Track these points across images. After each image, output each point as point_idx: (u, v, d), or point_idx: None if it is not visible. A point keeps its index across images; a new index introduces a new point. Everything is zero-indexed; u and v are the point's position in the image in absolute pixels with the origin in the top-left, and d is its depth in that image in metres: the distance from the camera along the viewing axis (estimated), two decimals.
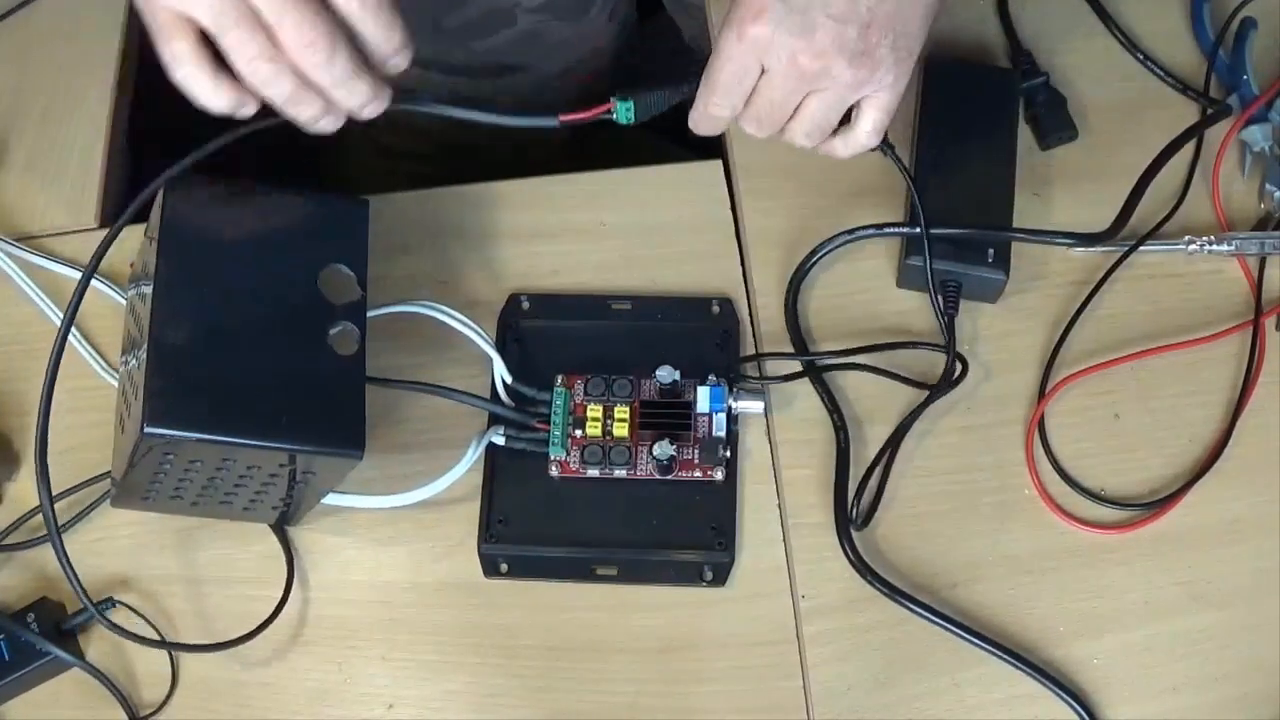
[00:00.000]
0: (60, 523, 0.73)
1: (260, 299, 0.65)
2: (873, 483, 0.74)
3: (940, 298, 0.77)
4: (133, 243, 0.71)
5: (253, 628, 0.71)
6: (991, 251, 0.76)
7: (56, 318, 0.78)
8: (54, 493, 0.73)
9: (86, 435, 0.75)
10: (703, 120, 0.70)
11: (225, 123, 0.67)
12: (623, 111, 0.68)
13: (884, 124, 0.70)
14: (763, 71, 0.67)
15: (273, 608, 0.72)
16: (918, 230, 0.76)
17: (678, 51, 1.02)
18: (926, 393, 0.76)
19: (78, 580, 0.65)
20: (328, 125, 0.64)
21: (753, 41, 0.65)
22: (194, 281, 0.64)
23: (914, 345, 0.77)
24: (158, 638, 0.72)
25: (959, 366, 0.76)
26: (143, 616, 0.72)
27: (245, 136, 0.66)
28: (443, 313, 0.74)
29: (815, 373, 0.77)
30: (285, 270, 0.66)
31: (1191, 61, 0.86)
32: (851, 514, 0.74)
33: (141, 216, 0.66)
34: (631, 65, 1.09)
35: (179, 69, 0.61)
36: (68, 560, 0.64)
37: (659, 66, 1.11)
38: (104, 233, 0.81)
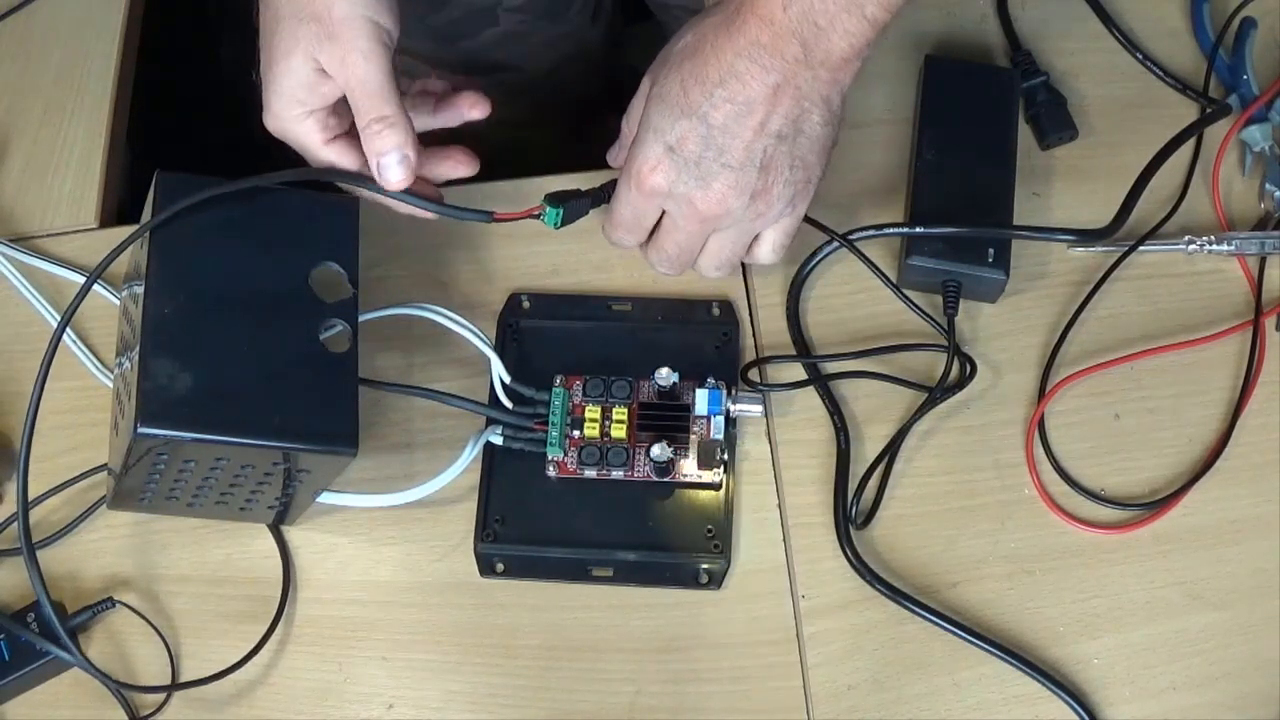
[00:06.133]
0: (61, 524, 0.74)
1: (251, 297, 0.65)
2: (873, 483, 0.74)
3: (940, 297, 0.77)
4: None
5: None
6: (991, 251, 0.76)
7: (55, 320, 0.78)
8: (51, 489, 0.74)
9: (86, 435, 0.76)
10: (609, 240, 0.73)
11: (226, 128, 0.68)
12: (551, 216, 0.72)
13: (785, 245, 0.72)
14: (664, 213, 0.70)
15: (271, 607, 0.72)
16: (917, 230, 0.77)
17: None
18: (927, 394, 0.76)
19: (43, 584, 0.66)
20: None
21: (650, 192, 0.68)
22: (185, 281, 0.64)
23: (917, 348, 0.77)
24: (158, 638, 0.72)
25: (968, 368, 0.76)
26: (143, 616, 0.72)
27: (243, 133, 0.67)
28: (439, 314, 0.74)
29: (818, 379, 0.77)
30: (276, 268, 0.66)
31: (1191, 61, 0.86)
32: (851, 514, 0.74)
33: (135, 216, 0.66)
34: (628, 67, 1.09)
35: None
36: (36, 563, 0.65)
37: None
38: (104, 233, 0.82)
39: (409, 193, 0.70)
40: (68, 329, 0.77)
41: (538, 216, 0.72)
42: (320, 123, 0.69)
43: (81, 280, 0.79)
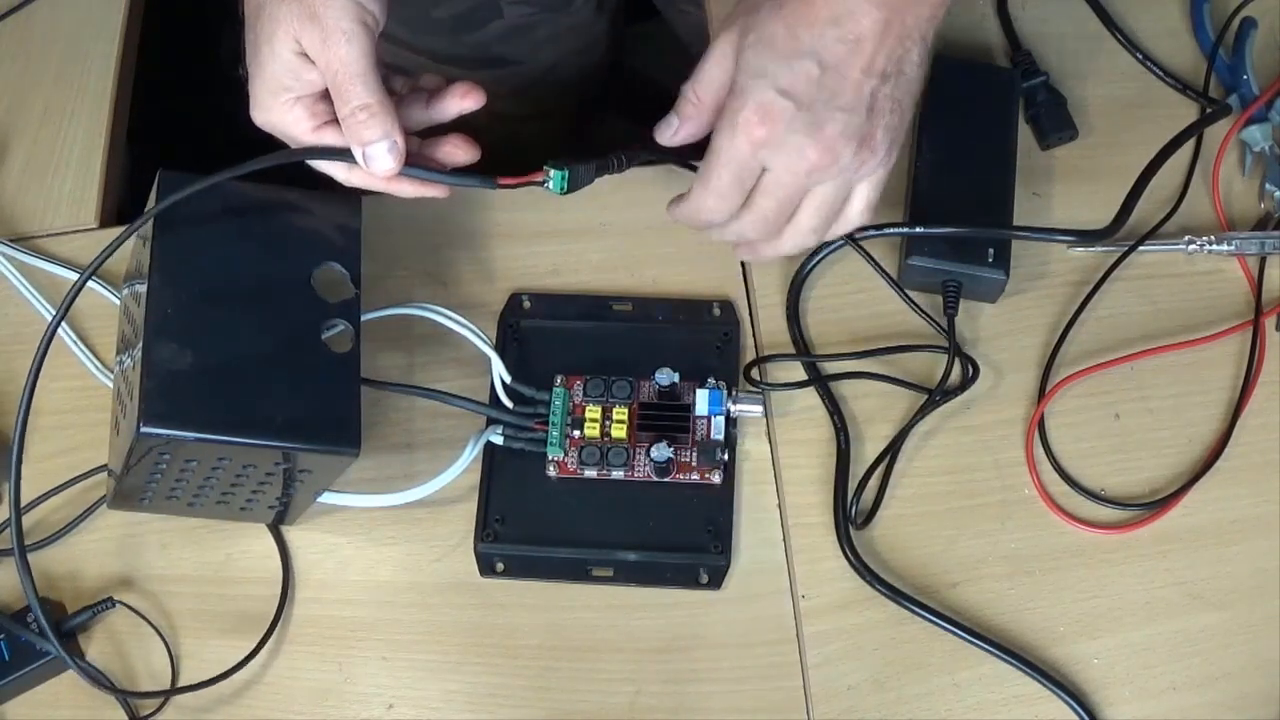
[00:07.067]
0: (61, 524, 0.74)
1: (254, 297, 0.65)
2: (873, 483, 0.74)
3: (940, 297, 0.77)
4: (129, 242, 0.71)
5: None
6: (991, 251, 0.76)
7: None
8: (51, 489, 0.74)
9: (86, 435, 0.76)
10: (691, 219, 0.69)
11: (227, 128, 0.68)
12: (557, 180, 0.68)
13: (876, 203, 0.69)
14: (763, 171, 0.66)
15: (271, 607, 0.72)
16: (917, 230, 0.77)
17: (674, 51, 1.03)
18: (927, 395, 0.76)
19: (35, 593, 0.65)
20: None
21: (759, 143, 0.64)
22: (188, 280, 0.64)
23: (918, 349, 0.77)
24: (158, 638, 0.72)
25: (970, 369, 0.76)
26: (143, 616, 0.72)
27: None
28: (440, 314, 0.74)
29: (818, 379, 0.77)
30: (279, 268, 0.66)
31: (1191, 61, 0.86)
32: (851, 514, 0.74)
33: (135, 216, 0.66)
34: (631, 67, 1.09)
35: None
36: (26, 566, 0.65)
37: (657, 67, 1.11)
38: (104, 233, 0.82)
39: (409, 165, 0.67)
40: (68, 328, 0.78)
41: (542, 184, 0.69)
42: (308, 109, 0.66)
43: None
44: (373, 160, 0.66)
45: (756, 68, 0.63)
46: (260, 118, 0.67)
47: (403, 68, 0.72)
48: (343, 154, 0.66)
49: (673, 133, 0.69)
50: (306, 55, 0.64)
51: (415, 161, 0.68)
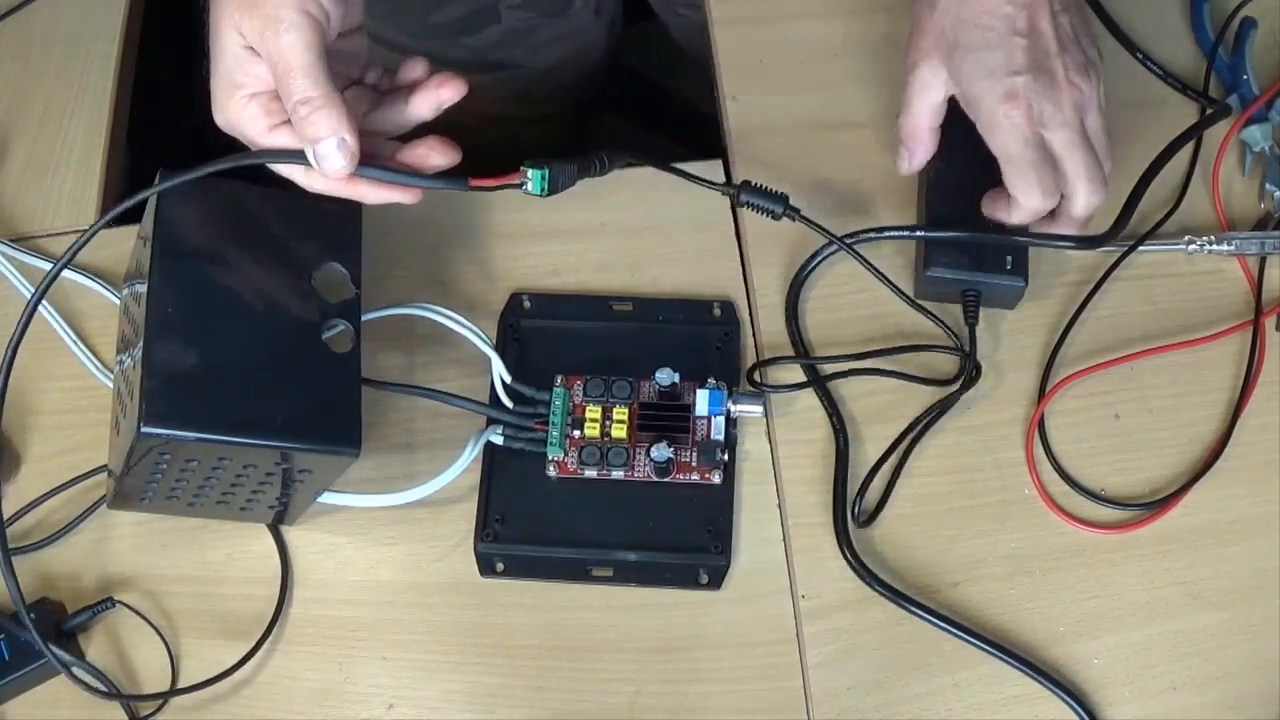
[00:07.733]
0: (61, 524, 0.74)
1: (254, 297, 0.65)
2: (877, 482, 0.74)
3: (952, 304, 0.77)
4: (129, 243, 0.71)
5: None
6: (1010, 259, 0.76)
7: (53, 319, 0.78)
8: (51, 489, 0.74)
9: (86, 435, 0.76)
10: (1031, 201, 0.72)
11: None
12: (536, 180, 0.67)
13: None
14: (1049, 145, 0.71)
15: (271, 607, 0.72)
16: (918, 233, 0.76)
17: (672, 53, 1.03)
18: (932, 391, 0.76)
19: (20, 596, 0.65)
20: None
21: (1026, 124, 0.70)
22: (188, 280, 0.64)
23: (918, 348, 0.77)
24: (158, 638, 0.72)
25: (973, 370, 0.76)
26: (143, 616, 0.72)
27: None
28: (440, 314, 0.74)
29: (817, 380, 0.77)
30: (279, 269, 0.66)
31: (1191, 61, 0.86)
32: (855, 512, 0.74)
33: (135, 217, 0.66)
34: (629, 69, 1.10)
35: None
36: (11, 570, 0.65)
37: (655, 69, 1.12)
38: (105, 233, 0.81)
39: (368, 165, 0.64)
40: (68, 328, 0.78)
41: (519, 185, 0.67)
42: (263, 108, 0.64)
43: (81, 280, 0.79)
44: (323, 160, 0.63)
45: (978, 71, 0.70)
46: (219, 118, 0.65)
47: (393, 71, 0.72)
48: (297, 155, 0.64)
49: (909, 163, 0.77)
50: (253, 48, 0.63)
51: (385, 164, 0.66)
